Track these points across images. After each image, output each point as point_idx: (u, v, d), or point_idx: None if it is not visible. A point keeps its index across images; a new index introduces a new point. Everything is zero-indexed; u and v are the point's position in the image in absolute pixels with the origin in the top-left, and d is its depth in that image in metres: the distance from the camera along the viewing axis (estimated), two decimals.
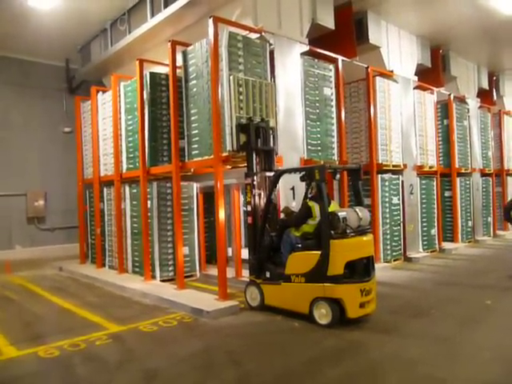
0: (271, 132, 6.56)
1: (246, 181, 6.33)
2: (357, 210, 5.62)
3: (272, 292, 5.87)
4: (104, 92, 9.87)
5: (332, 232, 5.28)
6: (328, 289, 5.24)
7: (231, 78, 6.39)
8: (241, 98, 6.39)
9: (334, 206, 5.82)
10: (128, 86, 8.77)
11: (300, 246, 5.71)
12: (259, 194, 6.24)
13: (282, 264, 5.73)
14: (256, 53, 7.01)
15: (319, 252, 5.32)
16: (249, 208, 6.27)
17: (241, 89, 6.40)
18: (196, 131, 7.09)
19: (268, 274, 5.94)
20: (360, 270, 5.46)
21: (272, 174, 6.27)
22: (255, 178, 6.21)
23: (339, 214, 5.33)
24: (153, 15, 8.41)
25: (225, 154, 6.46)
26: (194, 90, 7.11)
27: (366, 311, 5.42)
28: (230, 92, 6.35)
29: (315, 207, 5.61)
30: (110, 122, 9.33)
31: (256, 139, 6.32)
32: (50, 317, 6.36)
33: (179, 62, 7.27)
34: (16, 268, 10.30)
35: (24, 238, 12.66)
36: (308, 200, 5.89)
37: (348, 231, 5.37)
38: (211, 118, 6.58)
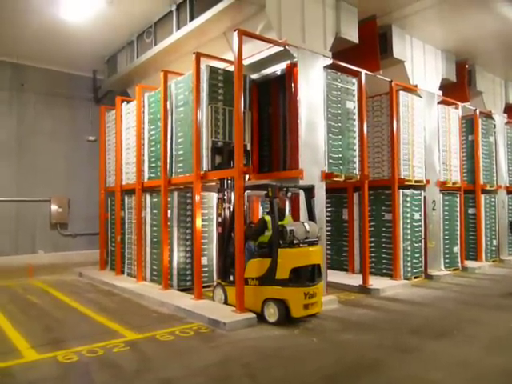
0: (245, 154, 7.17)
1: (218, 195, 7.30)
2: (305, 224, 6.37)
3: (233, 293, 6.44)
4: (128, 102, 10.07)
5: (281, 242, 6.03)
6: (275, 291, 6.02)
7: (209, 107, 7.22)
8: (218, 124, 7.27)
9: (286, 220, 6.53)
10: (152, 97, 8.93)
11: (256, 253, 6.43)
12: (229, 208, 7.02)
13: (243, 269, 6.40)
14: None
15: (270, 259, 6.08)
16: (219, 219, 7.17)
17: (219, 116, 7.29)
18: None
19: (231, 278, 6.64)
20: (305, 275, 6.13)
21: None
22: (226, 193, 7.09)
23: (288, 227, 6.09)
24: (178, 28, 8.57)
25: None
26: (182, 115, 7.98)
27: (310, 312, 6.17)
28: (208, 119, 7.16)
29: (270, 221, 6.29)
30: (133, 131, 9.49)
31: (229, 160, 7.18)
32: (69, 322, 6.45)
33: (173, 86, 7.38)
34: (38, 272, 10.50)
35: (47, 243, 12.91)
36: (265, 214, 6.75)
37: (295, 242, 6.09)
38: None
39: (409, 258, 9.21)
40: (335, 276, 8.85)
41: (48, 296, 8.21)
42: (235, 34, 6.52)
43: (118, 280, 9.14)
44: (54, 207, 12.97)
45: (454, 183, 10.80)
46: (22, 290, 8.68)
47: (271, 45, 7.25)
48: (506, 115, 13.55)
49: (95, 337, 5.52)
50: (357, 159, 8.32)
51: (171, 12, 8.73)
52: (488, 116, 12.63)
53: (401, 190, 9.14)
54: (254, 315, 6.13)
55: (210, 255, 8.28)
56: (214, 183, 8.07)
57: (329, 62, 7.97)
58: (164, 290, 7.93)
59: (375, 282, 8.44)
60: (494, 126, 12.77)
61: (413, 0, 8.53)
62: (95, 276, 9.78)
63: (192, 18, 8.11)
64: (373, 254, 9.20)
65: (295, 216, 7.08)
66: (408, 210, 9.28)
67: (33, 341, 5.40)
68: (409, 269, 9.19)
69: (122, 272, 9.77)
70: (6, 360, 4.73)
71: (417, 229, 9.49)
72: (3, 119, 12.46)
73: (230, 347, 5.20)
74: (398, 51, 9.48)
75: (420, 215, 9.61)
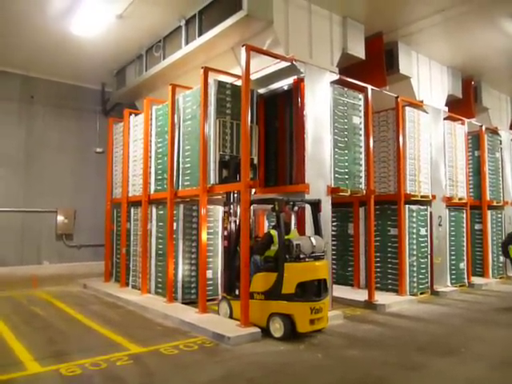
0: (251, 168, 7.17)
1: (224, 209, 7.30)
2: (312, 238, 6.36)
3: (239, 307, 6.37)
4: (136, 115, 10.17)
5: (287, 256, 6.00)
6: (281, 305, 5.97)
7: (217, 121, 7.26)
8: (226, 138, 7.32)
9: (292, 234, 6.52)
10: (160, 110, 9.02)
11: (262, 267, 6.40)
12: (235, 221, 7.03)
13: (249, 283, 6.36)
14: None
15: (276, 273, 6.05)
16: (225, 233, 7.15)
17: (226, 130, 7.33)
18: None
19: (237, 292, 6.61)
20: (312, 290, 6.09)
21: None
22: (232, 206, 7.09)
23: (294, 241, 6.08)
24: (187, 43, 8.68)
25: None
26: (189, 129, 8.03)
27: (316, 327, 6.12)
28: (216, 133, 7.19)
29: (276, 235, 6.30)
30: (140, 143, 9.57)
31: (235, 174, 7.16)
32: (72, 334, 6.43)
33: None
34: (42, 283, 10.50)
35: (52, 253, 12.93)
36: (271, 228, 6.74)
37: (301, 256, 6.08)
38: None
39: (415, 274, 9.13)
40: (341, 291, 8.78)
41: (52, 307, 8.20)
42: (243, 49, 6.62)
43: (123, 292, 9.12)
44: (60, 218, 13.02)
45: (460, 199, 10.75)
46: (26, 301, 8.68)
47: (278, 60, 7.34)
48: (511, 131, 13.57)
49: (99, 349, 5.50)
50: (363, 174, 8.33)
51: (180, 27, 8.84)
52: (494, 132, 12.62)
53: (407, 206, 9.10)
54: (259, 330, 6.09)
55: (215, 268, 8.27)
56: (220, 196, 8.09)
57: (335, 77, 8.05)
58: (168, 303, 7.90)
59: (381, 298, 8.37)
60: (500, 142, 12.76)
61: (419, 17, 8.62)
62: (100, 288, 9.77)
63: (200, 33, 8.22)
64: (378, 269, 9.13)
65: (301, 230, 7.07)
66: (414, 225, 9.24)
67: (36, 353, 5.38)
68: (415, 284, 9.11)
69: (127, 284, 9.75)
70: (9, 372, 4.70)
71: (423, 244, 9.42)
72: (12, 130, 12.61)
73: (234, 362, 5.16)
74: (404, 67, 9.55)
75: (426, 231, 9.55)
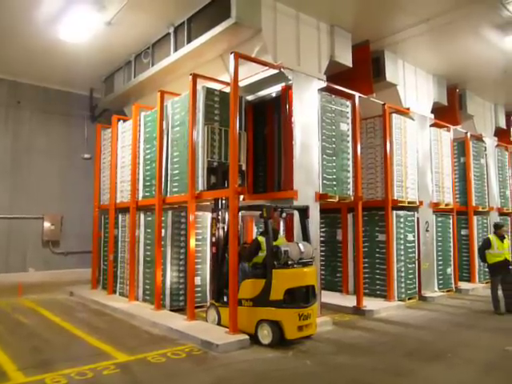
0: (239, 174, 7.18)
1: (212, 215, 7.31)
2: (300, 244, 6.40)
3: (227, 314, 6.33)
4: (124, 121, 10.14)
5: (275, 263, 6.01)
6: (270, 312, 5.96)
7: (205, 127, 7.25)
8: (214, 144, 7.33)
9: (280, 240, 6.52)
10: (148, 116, 9.00)
11: (250, 274, 6.40)
12: (223, 228, 7.02)
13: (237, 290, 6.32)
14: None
15: (264, 280, 6.03)
16: (213, 239, 7.15)
17: (215, 137, 7.34)
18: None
19: (225, 299, 6.59)
20: (300, 297, 6.09)
21: None
22: (220, 213, 7.11)
23: (282, 247, 6.08)
24: (176, 50, 8.69)
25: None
26: (178, 135, 8.07)
27: (304, 334, 6.12)
28: (204, 139, 7.19)
29: (264, 241, 6.28)
30: (128, 150, 9.53)
31: (223, 180, 7.20)
32: (58, 342, 6.34)
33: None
34: (28, 291, 10.34)
35: (38, 260, 12.76)
36: (258, 235, 6.75)
37: (290, 263, 6.10)
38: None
39: (402, 279, 9.19)
40: (329, 297, 8.79)
41: (37, 316, 8.07)
42: (232, 56, 6.64)
43: (110, 299, 9.02)
44: (46, 224, 12.87)
45: (446, 204, 10.88)
46: (10, 310, 8.53)
47: (267, 67, 7.39)
48: (496, 138, 13.80)
49: (85, 358, 5.43)
50: (351, 180, 8.40)
51: (169, 34, 8.86)
52: (479, 139, 12.85)
53: (394, 211, 9.19)
54: (247, 337, 6.07)
55: (204, 275, 8.23)
56: (208, 203, 8.08)
57: (323, 84, 8.12)
58: (156, 311, 7.84)
59: (369, 303, 8.41)
60: (485, 148, 12.99)
61: (405, 27, 8.76)
62: (86, 295, 9.65)
63: (189, 40, 8.24)
64: (367, 275, 9.18)
65: (289, 236, 7.09)
66: (401, 231, 9.32)
67: (20, 363, 5.29)
68: (403, 290, 9.17)
69: (114, 291, 9.65)
70: None
71: (410, 250, 9.50)
72: None
73: (222, 370, 5.13)
74: (390, 75, 9.69)
75: (413, 236, 9.64)
